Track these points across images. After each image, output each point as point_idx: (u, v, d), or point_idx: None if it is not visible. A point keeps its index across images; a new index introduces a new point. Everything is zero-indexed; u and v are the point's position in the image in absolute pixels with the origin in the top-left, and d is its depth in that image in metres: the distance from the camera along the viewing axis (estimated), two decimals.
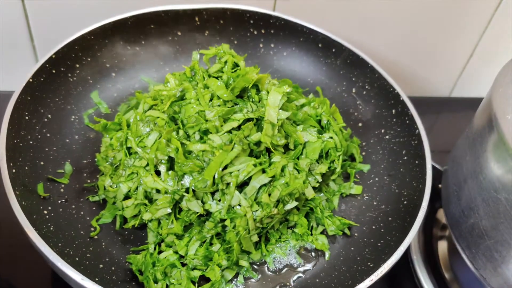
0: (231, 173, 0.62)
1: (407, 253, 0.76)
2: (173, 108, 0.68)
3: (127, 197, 0.65)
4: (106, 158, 0.71)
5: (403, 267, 0.75)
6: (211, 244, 0.64)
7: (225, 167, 0.62)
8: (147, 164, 0.64)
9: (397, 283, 0.75)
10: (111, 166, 0.69)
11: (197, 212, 0.62)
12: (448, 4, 0.95)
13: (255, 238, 0.65)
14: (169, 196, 0.62)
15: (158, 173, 0.64)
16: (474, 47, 1.04)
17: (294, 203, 0.65)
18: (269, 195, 0.62)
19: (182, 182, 0.62)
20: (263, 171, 0.64)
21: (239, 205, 0.62)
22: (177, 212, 0.64)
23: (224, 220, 0.62)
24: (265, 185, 0.63)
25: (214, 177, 0.61)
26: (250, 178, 0.63)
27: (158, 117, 0.66)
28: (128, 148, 0.67)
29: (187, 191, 0.62)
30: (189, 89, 0.68)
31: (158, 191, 0.63)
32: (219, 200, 0.63)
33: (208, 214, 0.64)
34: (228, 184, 0.62)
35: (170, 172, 0.63)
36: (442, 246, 0.78)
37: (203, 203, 0.63)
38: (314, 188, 0.70)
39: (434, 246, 0.78)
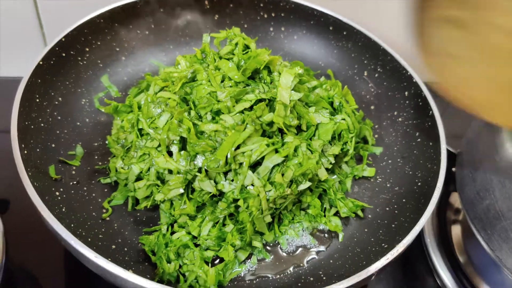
0: (243, 153, 0.61)
1: (420, 237, 0.75)
2: (184, 89, 0.67)
3: (139, 178, 0.65)
4: (118, 140, 0.70)
5: (417, 249, 0.74)
6: (224, 224, 0.63)
7: (238, 147, 0.61)
8: (159, 145, 0.63)
9: (411, 266, 0.74)
10: (123, 148, 0.69)
11: (210, 192, 0.62)
12: None
13: (268, 218, 0.64)
14: (181, 176, 0.61)
15: (170, 154, 0.63)
16: None
17: (307, 184, 0.64)
18: (282, 175, 0.62)
19: (195, 162, 0.62)
20: (276, 151, 0.63)
21: (252, 185, 0.61)
22: (190, 193, 0.63)
23: (237, 200, 0.62)
24: (278, 165, 0.62)
25: (226, 157, 0.60)
26: (263, 158, 0.62)
27: (169, 98, 0.66)
28: (140, 130, 0.66)
29: (199, 171, 0.62)
30: (200, 71, 0.68)
31: (170, 171, 0.63)
32: (232, 180, 0.62)
33: (221, 194, 0.63)
34: (241, 164, 0.61)
35: (182, 152, 0.62)
36: (456, 230, 0.77)
37: (216, 183, 0.62)
38: (327, 169, 0.69)
39: (448, 229, 0.77)
